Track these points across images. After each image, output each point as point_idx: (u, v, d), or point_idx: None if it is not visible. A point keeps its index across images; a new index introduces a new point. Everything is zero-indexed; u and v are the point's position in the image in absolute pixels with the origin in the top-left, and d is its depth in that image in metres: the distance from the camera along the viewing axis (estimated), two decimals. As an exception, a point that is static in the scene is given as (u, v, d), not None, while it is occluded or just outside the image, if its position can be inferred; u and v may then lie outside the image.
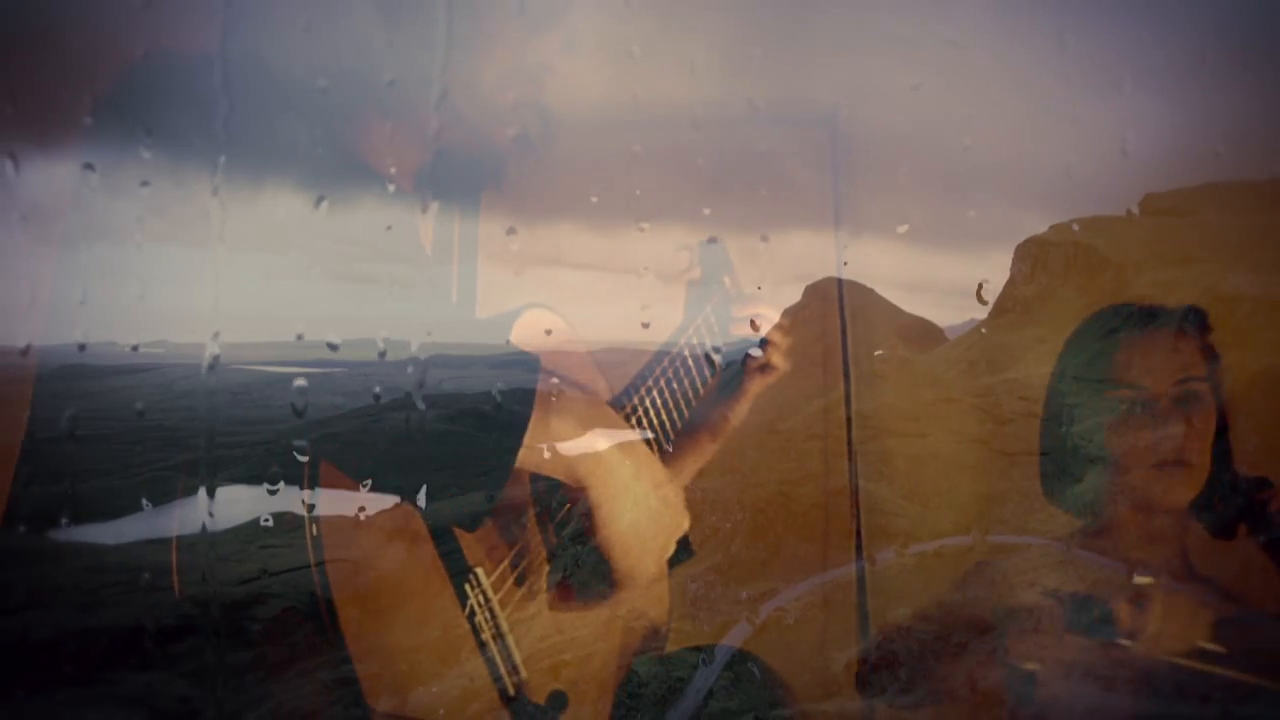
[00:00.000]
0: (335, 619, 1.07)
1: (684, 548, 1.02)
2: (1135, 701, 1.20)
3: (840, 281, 1.72)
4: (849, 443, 1.80)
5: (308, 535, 1.12)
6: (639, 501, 0.94)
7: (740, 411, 1.28)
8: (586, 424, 0.96)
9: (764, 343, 1.24)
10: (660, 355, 1.28)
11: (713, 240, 1.30)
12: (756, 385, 1.28)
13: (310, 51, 1.46)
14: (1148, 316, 1.40)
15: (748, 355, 1.26)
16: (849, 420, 1.79)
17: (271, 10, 1.51)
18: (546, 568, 1.16)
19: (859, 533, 1.73)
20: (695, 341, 1.26)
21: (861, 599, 1.68)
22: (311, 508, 1.25)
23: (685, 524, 0.97)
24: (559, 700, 1.10)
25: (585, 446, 0.94)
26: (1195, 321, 1.36)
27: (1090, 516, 1.39)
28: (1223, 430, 1.31)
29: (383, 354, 1.17)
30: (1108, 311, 1.45)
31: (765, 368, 1.26)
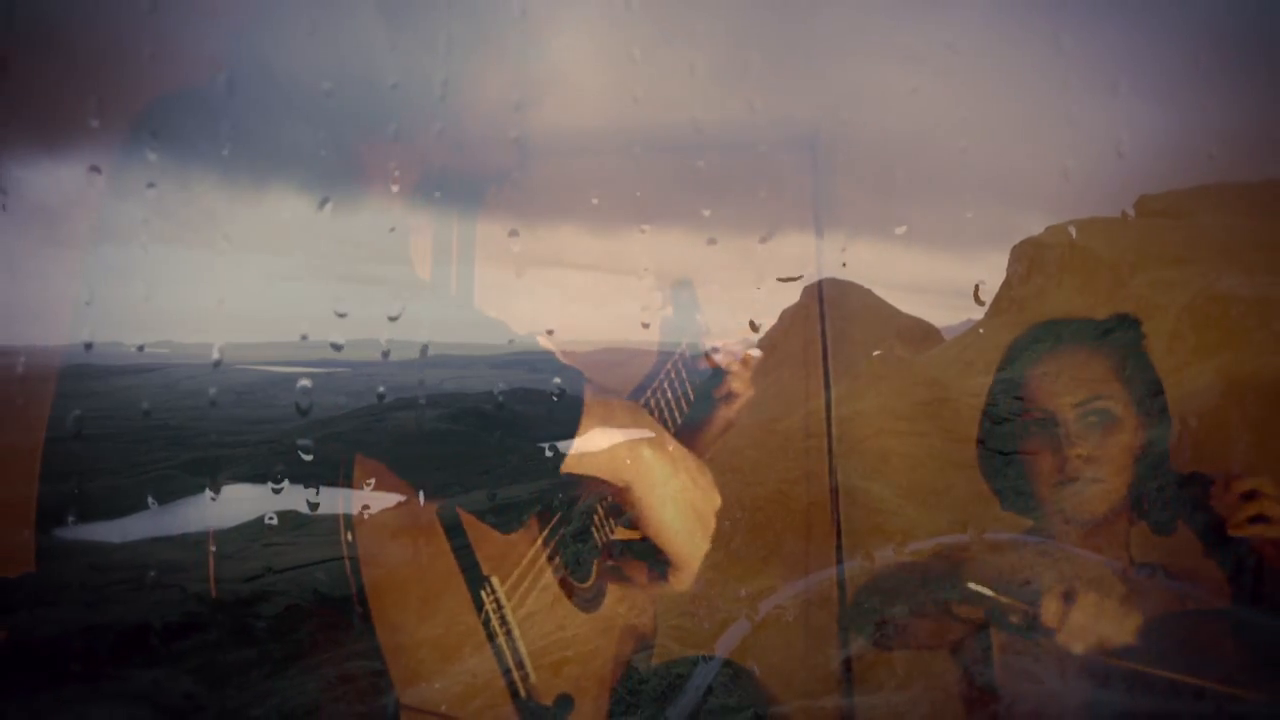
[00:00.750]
0: (352, 613, 1.11)
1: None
2: (1130, 698, 1.21)
3: (821, 284, 1.74)
4: (829, 442, 1.82)
5: (343, 534, 1.15)
6: (682, 490, 1.00)
7: (712, 436, 1.30)
8: (628, 426, 1.01)
9: (723, 373, 1.26)
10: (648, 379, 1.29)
11: (684, 283, 1.32)
12: (725, 413, 1.29)
13: (314, 54, 1.47)
14: (1076, 331, 1.45)
15: (723, 374, 1.27)
16: (829, 421, 1.81)
17: (276, 13, 1.52)
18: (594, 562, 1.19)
19: (839, 533, 1.75)
20: (673, 373, 1.27)
21: (843, 598, 1.70)
22: (316, 506, 1.26)
23: (719, 501, 1.02)
24: (566, 702, 1.13)
25: (628, 446, 0.99)
26: (1126, 333, 1.41)
27: (1036, 519, 1.43)
28: (1159, 436, 1.34)
29: (386, 354, 1.19)
30: (1046, 325, 1.50)
31: (729, 396, 1.27)
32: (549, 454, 1.01)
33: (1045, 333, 1.50)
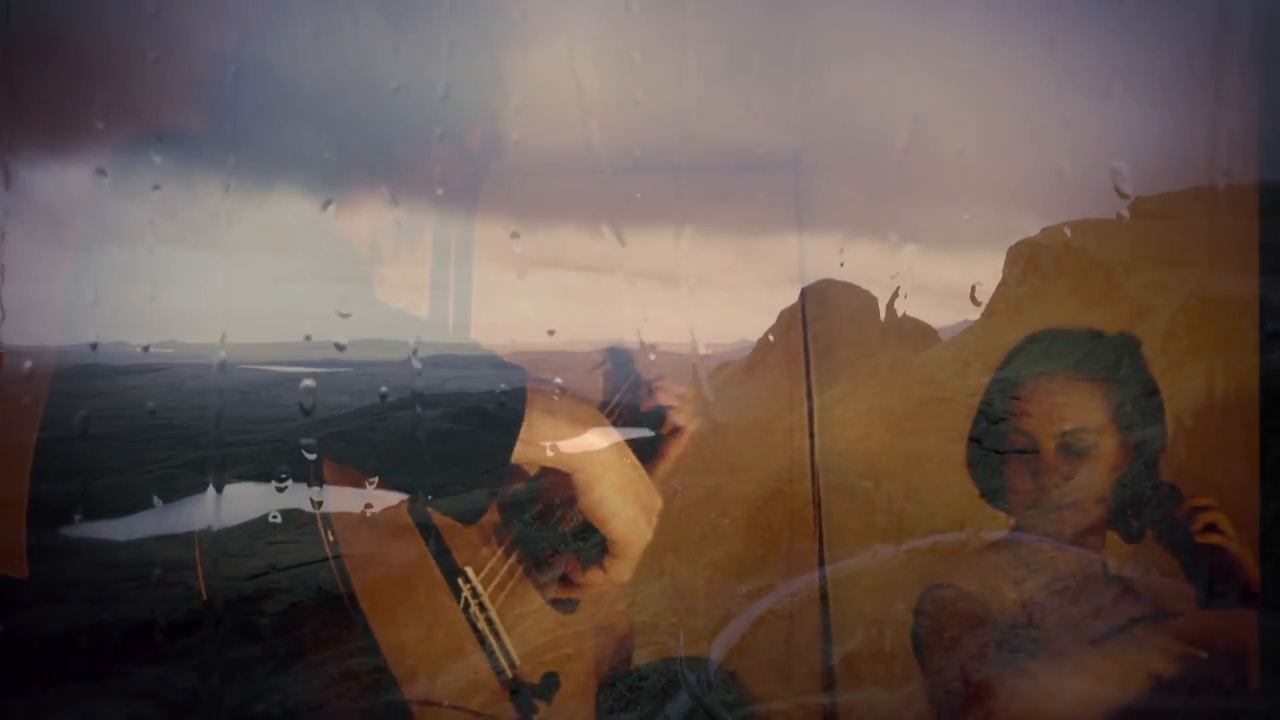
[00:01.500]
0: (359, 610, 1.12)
1: None
2: (1122, 695, 1.23)
3: (803, 293, 1.76)
4: (811, 445, 1.84)
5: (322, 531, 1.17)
6: (624, 478, 1.02)
7: (661, 476, 1.28)
8: (571, 417, 1.04)
9: (665, 410, 1.23)
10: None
11: (614, 349, 1.31)
12: (676, 449, 1.25)
13: (318, 57, 1.49)
14: (1070, 343, 1.48)
15: (664, 410, 1.24)
16: (811, 428, 1.82)
17: (279, 16, 1.54)
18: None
19: (820, 534, 1.77)
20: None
21: (824, 603, 1.72)
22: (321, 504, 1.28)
23: (659, 502, 1.05)
24: (552, 681, 1.14)
25: (574, 435, 1.02)
26: (1122, 353, 1.43)
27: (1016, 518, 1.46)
28: (1143, 452, 1.37)
29: (400, 355, 1.21)
30: (1045, 333, 1.53)
31: (676, 431, 1.24)
32: (549, 453, 1.03)
33: (1043, 338, 1.53)
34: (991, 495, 1.53)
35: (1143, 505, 1.33)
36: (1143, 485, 1.36)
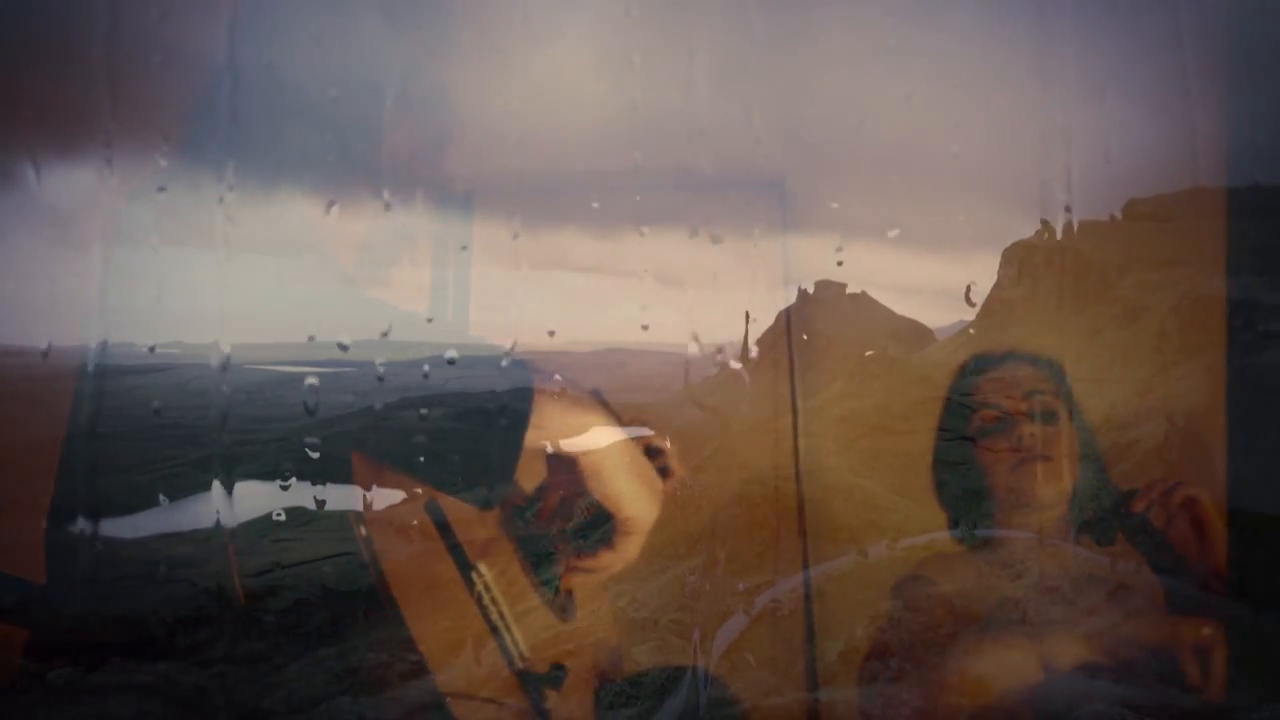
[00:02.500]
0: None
1: None
2: (1116, 691, 1.25)
3: (797, 294, 1.79)
4: (796, 451, 1.86)
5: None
6: (629, 457, 1.06)
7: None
8: (575, 406, 1.07)
9: (656, 450, 1.22)
10: None
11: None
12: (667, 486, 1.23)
13: (321, 61, 1.50)
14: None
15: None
16: (795, 433, 1.84)
17: (283, 20, 1.55)
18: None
19: (804, 538, 1.78)
20: None
21: (809, 607, 1.74)
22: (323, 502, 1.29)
23: (660, 483, 1.07)
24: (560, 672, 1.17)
25: (580, 422, 1.05)
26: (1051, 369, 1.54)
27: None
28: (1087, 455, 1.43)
29: (426, 374, 1.22)
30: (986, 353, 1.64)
31: (665, 470, 1.21)
32: (550, 451, 1.05)
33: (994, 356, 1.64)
34: (972, 496, 1.58)
35: (1112, 505, 1.36)
36: (1104, 484, 1.40)
